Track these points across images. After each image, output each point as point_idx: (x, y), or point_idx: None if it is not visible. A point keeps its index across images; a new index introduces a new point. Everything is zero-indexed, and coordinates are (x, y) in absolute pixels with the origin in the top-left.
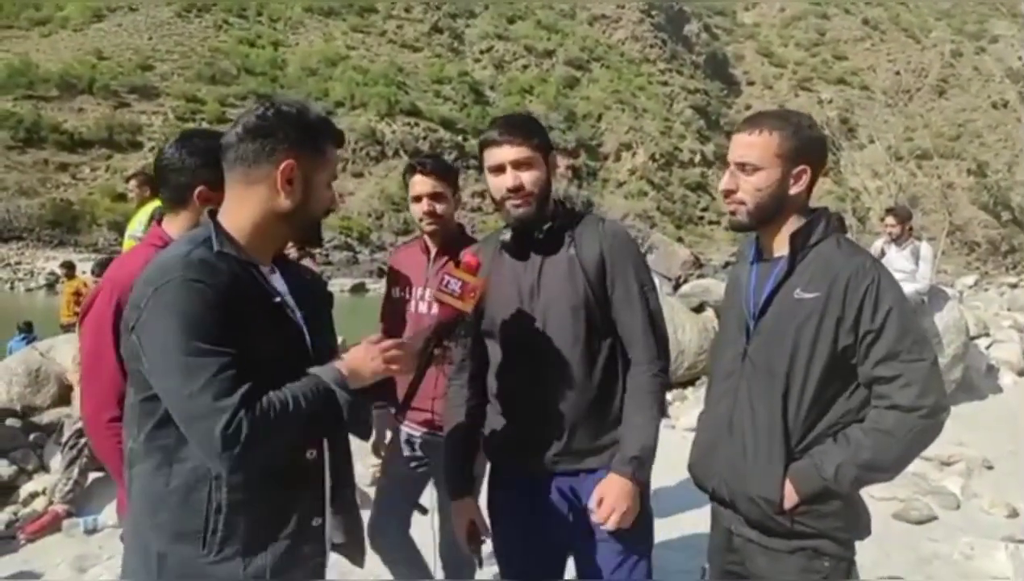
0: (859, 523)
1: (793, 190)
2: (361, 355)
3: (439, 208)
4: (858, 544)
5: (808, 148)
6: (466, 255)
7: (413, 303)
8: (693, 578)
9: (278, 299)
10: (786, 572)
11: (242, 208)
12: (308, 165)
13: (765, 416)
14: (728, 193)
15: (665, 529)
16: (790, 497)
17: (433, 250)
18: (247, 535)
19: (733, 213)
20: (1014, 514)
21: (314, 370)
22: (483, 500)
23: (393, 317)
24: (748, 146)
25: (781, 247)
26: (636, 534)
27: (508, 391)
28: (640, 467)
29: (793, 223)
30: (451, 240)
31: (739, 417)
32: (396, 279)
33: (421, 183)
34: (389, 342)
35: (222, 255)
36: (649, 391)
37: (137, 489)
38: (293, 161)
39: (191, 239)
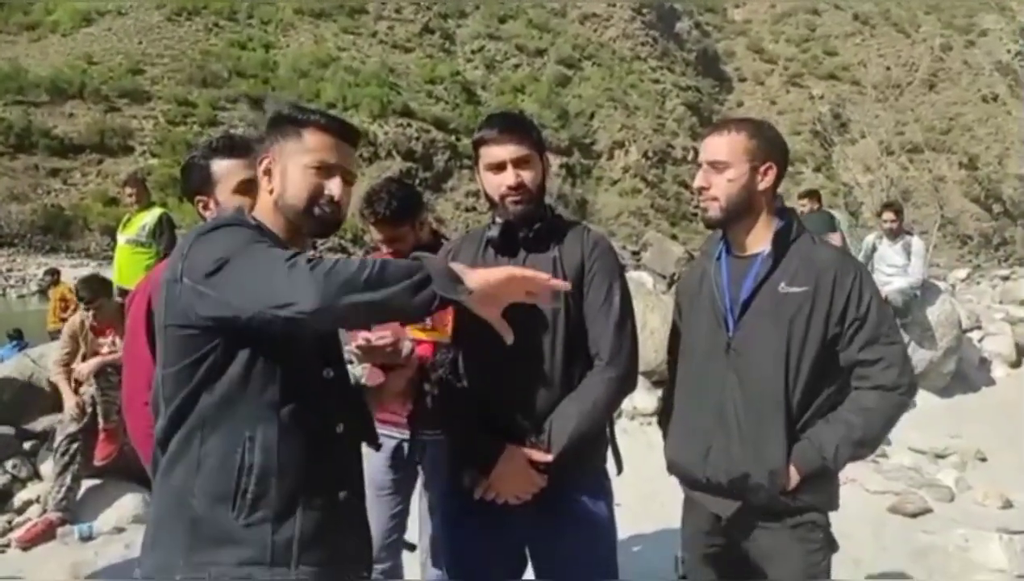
0: (836, 496)
1: (761, 185)
2: (496, 273)
3: (400, 246)
4: (855, 538)
5: (771, 146)
6: None
7: None
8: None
9: None
10: (789, 546)
11: (257, 206)
12: (280, 153)
13: (766, 403)
14: (702, 190)
15: (659, 525)
16: (793, 477)
17: None
18: (276, 501)
19: (706, 210)
20: (1008, 505)
21: (424, 256)
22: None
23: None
24: (717, 145)
25: (756, 244)
26: (594, 528)
27: (483, 385)
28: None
29: (767, 220)
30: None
31: (731, 407)
32: None
33: (376, 230)
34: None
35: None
36: (591, 389)
37: (170, 458)
38: (268, 153)
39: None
